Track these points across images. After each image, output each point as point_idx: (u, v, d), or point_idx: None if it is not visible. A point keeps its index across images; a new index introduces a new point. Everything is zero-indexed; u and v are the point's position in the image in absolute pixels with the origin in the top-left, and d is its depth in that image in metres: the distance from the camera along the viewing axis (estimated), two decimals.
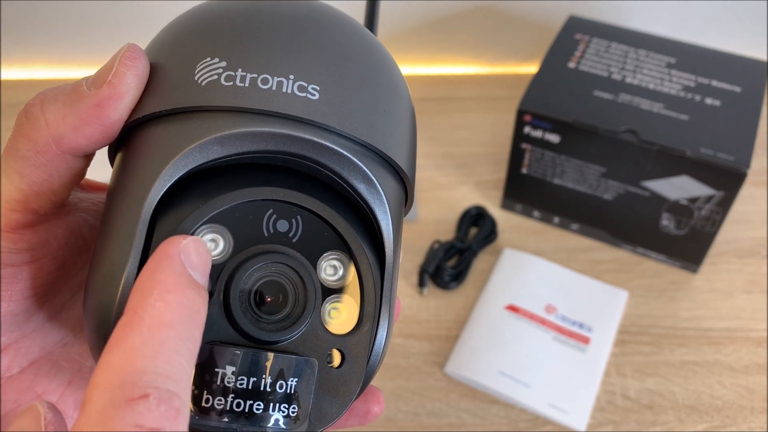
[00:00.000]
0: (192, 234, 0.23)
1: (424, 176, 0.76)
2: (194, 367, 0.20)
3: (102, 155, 0.27)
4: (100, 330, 0.23)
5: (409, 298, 0.66)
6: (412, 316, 0.65)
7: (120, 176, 0.24)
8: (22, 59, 0.86)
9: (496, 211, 0.73)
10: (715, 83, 0.66)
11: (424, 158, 0.77)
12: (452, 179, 0.76)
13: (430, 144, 0.79)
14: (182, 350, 0.19)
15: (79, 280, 0.28)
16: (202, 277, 0.21)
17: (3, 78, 0.86)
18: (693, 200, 0.63)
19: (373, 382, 0.27)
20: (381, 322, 0.25)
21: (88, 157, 0.25)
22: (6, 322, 0.25)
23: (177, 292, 0.20)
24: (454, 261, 0.69)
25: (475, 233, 0.71)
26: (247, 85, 0.23)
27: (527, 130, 0.66)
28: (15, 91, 0.84)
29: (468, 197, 0.74)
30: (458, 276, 0.67)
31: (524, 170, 0.69)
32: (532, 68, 0.87)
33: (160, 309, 0.20)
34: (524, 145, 0.67)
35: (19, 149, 0.24)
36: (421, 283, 0.67)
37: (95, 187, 0.29)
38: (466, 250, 0.68)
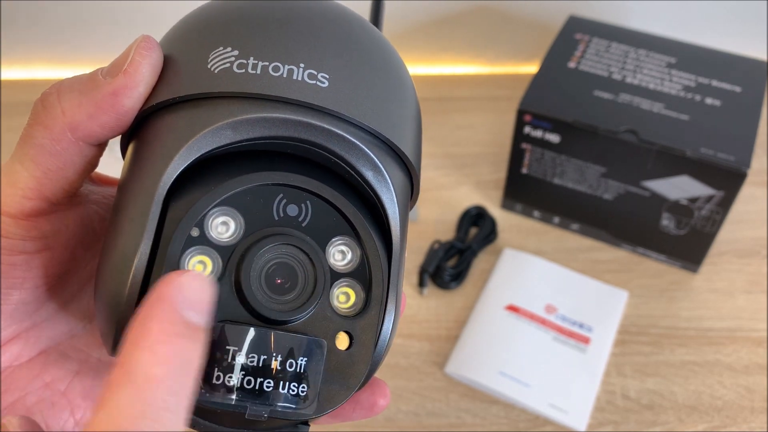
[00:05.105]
0: (204, 215, 0.23)
1: (424, 176, 0.76)
2: (185, 419, 0.19)
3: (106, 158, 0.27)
4: (112, 317, 0.23)
5: (409, 298, 0.66)
6: (412, 316, 0.65)
7: (133, 163, 0.25)
8: (22, 59, 0.86)
9: (496, 211, 0.73)
10: (715, 83, 0.66)
11: (424, 158, 0.77)
12: (452, 179, 0.76)
13: (430, 144, 0.79)
14: (171, 405, 0.19)
15: (89, 271, 0.28)
16: (201, 316, 0.21)
17: (3, 78, 0.86)
18: (693, 200, 0.63)
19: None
20: (388, 308, 0.25)
21: (101, 146, 0.26)
22: (17, 311, 0.26)
23: (168, 343, 0.19)
24: (454, 261, 0.69)
25: (475, 233, 0.71)
26: (258, 72, 0.24)
27: (527, 130, 0.65)
28: (15, 91, 0.84)
29: (468, 197, 0.74)
30: (458, 276, 0.67)
31: (524, 170, 0.69)
32: (532, 68, 0.87)
33: (149, 363, 0.19)
34: (524, 145, 0.67)
35: (34, 137, 0.24)
36: (421, 283, 0.67)
37: (106, 180, 0.29)
38: (466, 250, 0.68)
